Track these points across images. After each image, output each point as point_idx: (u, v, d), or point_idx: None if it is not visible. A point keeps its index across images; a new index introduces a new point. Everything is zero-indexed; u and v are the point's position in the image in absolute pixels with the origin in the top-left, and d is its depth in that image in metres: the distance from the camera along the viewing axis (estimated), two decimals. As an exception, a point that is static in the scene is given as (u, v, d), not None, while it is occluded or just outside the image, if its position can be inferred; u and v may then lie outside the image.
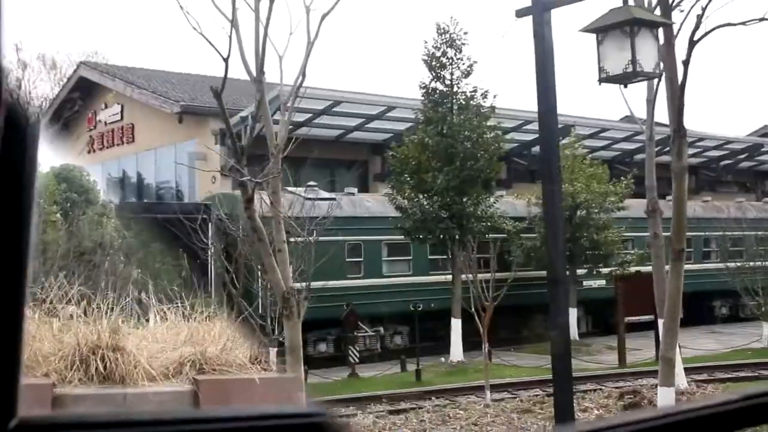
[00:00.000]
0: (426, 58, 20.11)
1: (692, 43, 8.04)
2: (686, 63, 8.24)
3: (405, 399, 16.60)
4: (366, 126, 28.29)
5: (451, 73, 20.04)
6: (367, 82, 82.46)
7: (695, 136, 36.21)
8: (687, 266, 29.61)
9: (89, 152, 32.33)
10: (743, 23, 8.16)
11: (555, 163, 6.79)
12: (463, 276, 19.87)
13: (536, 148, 31.56)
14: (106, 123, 32.04)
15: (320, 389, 17.91)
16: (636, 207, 29.03)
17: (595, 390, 15.04)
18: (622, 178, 25.93)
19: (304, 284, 19.57)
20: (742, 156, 37.42)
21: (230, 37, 7.26)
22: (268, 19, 8.41)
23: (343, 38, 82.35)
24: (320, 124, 27.99)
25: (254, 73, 8.89)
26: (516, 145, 32.75)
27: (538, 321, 28.07)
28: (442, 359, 21.02)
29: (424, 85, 20.41)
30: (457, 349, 20.45)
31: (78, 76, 31.87)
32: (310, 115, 26.97)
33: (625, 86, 7.00)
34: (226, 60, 7.34)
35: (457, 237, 19.86)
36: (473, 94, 20.15)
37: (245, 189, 7.90)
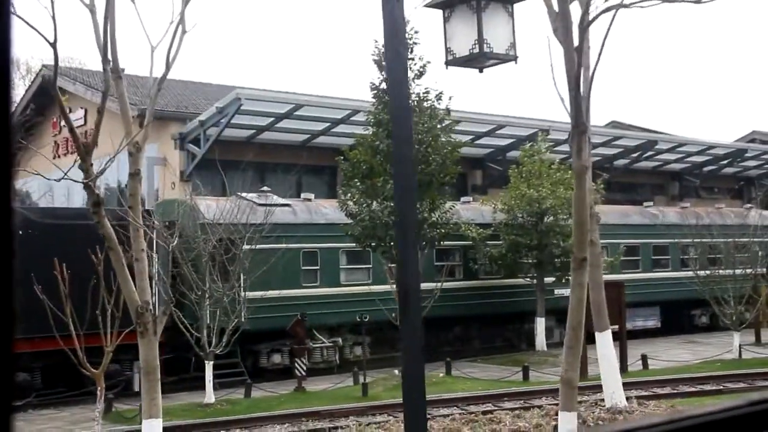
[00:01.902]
0: (376, 57, 19.28)
1: (584, 27, 7.21)
2: (579, 50, 7.39)
3: (347, 415, 15.81)
4: (333, 130, 27.52)
5: (403, 74, 19.19)
6: (338, 86, 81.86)
7: (677, 141, 35.39)
8: (664, 274, 29.00)
9: (54, 158, 31.56)
10: (634, 4, 7.33)
11: (408, 158, 5.95)
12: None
13: (511, 153, 30.83)
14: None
15: (260, 404, 17.06)
16: (610, 213, 28.19)
17: (537, 407, 14.15)
18: (591, 183, 25.02)
19: (248, 294, 18.92)
20: (725, 162, 36.56)
21: (53, 18, 6.45)
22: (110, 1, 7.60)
23: (314, 42, 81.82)
24: (285, 128, 27.24)
25: (112, 62, 8.04)
26: (491, 150, 31.97)
27: (511, 330, 27.29)
28: (396, 372, 20.15)
29: (374, 86, 19.57)
30: (410, 362, 19.56)
31: (41, 79, 31.15)
32: (272, 119, 26.25)
33: (480, 71, 6.15)
34: (53, 45, 6.55)
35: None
36: (426, 95, 19.31)
37: (91, 191, 7.07)
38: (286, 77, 72.72)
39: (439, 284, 15.85)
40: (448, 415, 13.53)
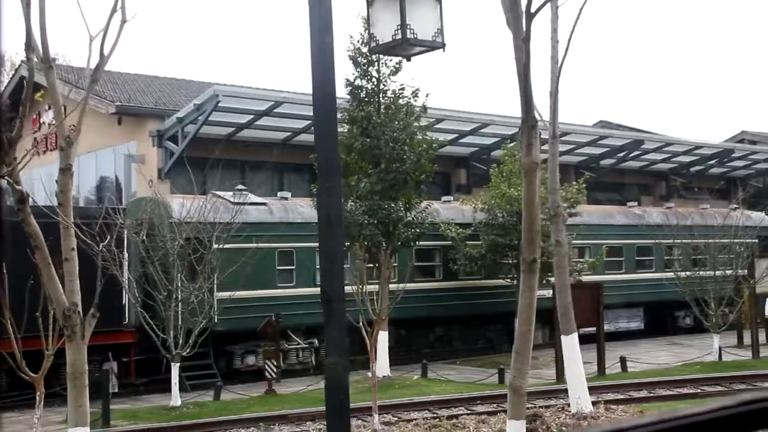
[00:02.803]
0: (351, 53, 18.94)
1: (530, 16, 6.88)
2: (526, 41, 7.08)
3: (313, 418, 15.51)
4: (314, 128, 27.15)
5: (378, 71, 18.86)
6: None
7: (664, 141, 35.08)
8: (648, 275, 28.68)
9: (35, 155, 31.16)
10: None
11: (334, 156, 5.63)
12: (392, 285, 18.71)
13: (496, 152, 30.48)
14: (49, 125, 30.88)
15: (228, 407, 16.73)
16: (592, 213, 27.92)
17: (505, 411, 13.79)
18: (574, 183, 24.73)
19: (220, 294, 18.58)
20: (713, 162, 36.29)
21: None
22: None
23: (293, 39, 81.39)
24: (265, 125, 26.87)
25: (41, 52, 7.70)
26: (476, 148, 31.66)
27: (492, 331, 26.98)
28: (369, 374, 19.82)
29: (349, 83, 19.22)
30: (383, 364, 19.26)
31: (20, 76, 30.73)
32: (252, 116, 25.88)
33: (408, 59, 5.84)
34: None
35: (383, 244, 18.67)
36: (401, 92, 18.97)
37: (13, 187, 6.74)
38: (268, 74, 72.32)
39: (403, 285, 15.49)
40: (411, 420, 13.19)
